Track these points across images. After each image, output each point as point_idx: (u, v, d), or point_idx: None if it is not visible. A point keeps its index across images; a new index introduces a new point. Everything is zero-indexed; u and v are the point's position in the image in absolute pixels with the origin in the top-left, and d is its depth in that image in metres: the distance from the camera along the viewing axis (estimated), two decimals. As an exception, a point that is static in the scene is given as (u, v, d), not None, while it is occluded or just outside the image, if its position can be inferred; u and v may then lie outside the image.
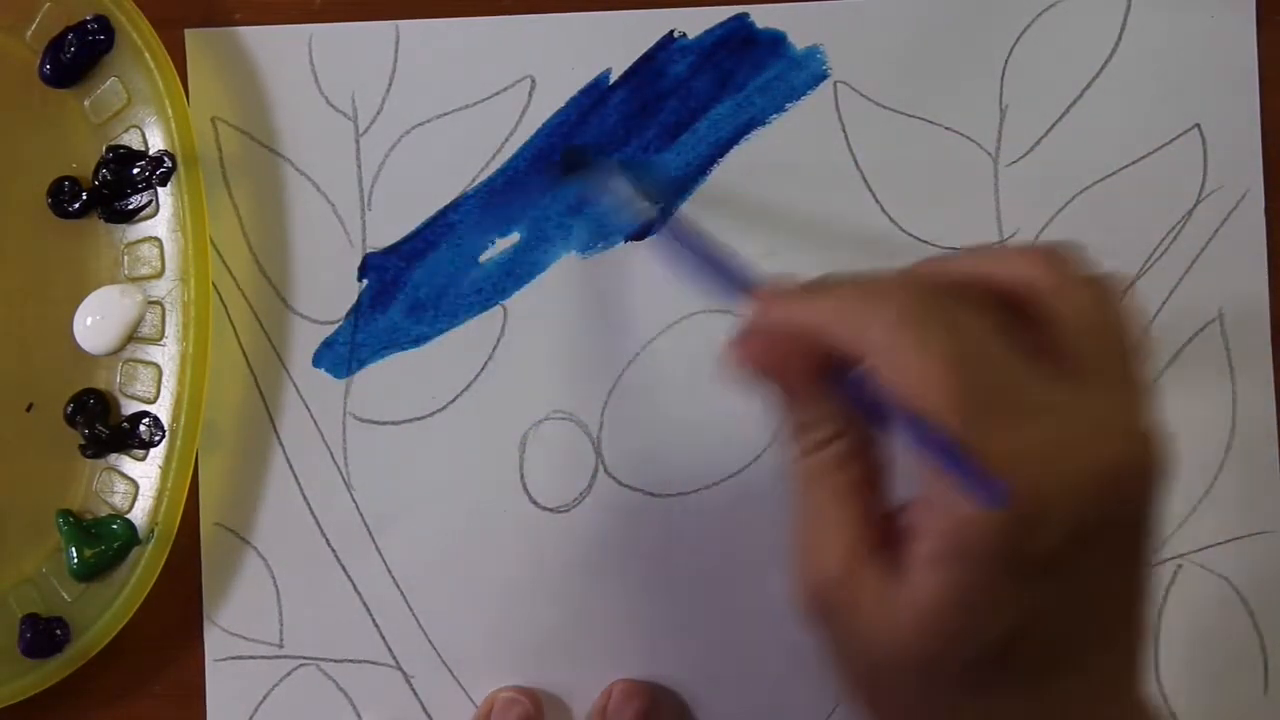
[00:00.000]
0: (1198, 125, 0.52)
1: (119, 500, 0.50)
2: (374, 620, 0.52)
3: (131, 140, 0.50)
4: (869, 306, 0.35)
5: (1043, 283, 0.36)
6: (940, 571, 0.34)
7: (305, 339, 0.52)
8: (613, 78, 0.51)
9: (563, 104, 0.51)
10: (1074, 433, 0.34)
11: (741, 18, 0.51)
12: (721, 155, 0.51)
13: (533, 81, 0.51)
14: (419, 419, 0.52)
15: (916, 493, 0.35)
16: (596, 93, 0.51)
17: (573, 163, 0.51)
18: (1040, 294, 0.36)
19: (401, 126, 0.52)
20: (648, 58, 0.51)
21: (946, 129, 0.51)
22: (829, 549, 0.36)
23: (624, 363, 0.52)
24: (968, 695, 0.36)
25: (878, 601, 0.35)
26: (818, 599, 0.36)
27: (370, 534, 0.52)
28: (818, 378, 0.37)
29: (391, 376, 0.52)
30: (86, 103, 0.50)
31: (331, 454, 0.52)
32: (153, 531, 0.49)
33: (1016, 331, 0.36)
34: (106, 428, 0.50)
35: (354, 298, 0.52)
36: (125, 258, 0.50)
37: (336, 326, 0.52)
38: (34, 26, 0.50)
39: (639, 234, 0.51)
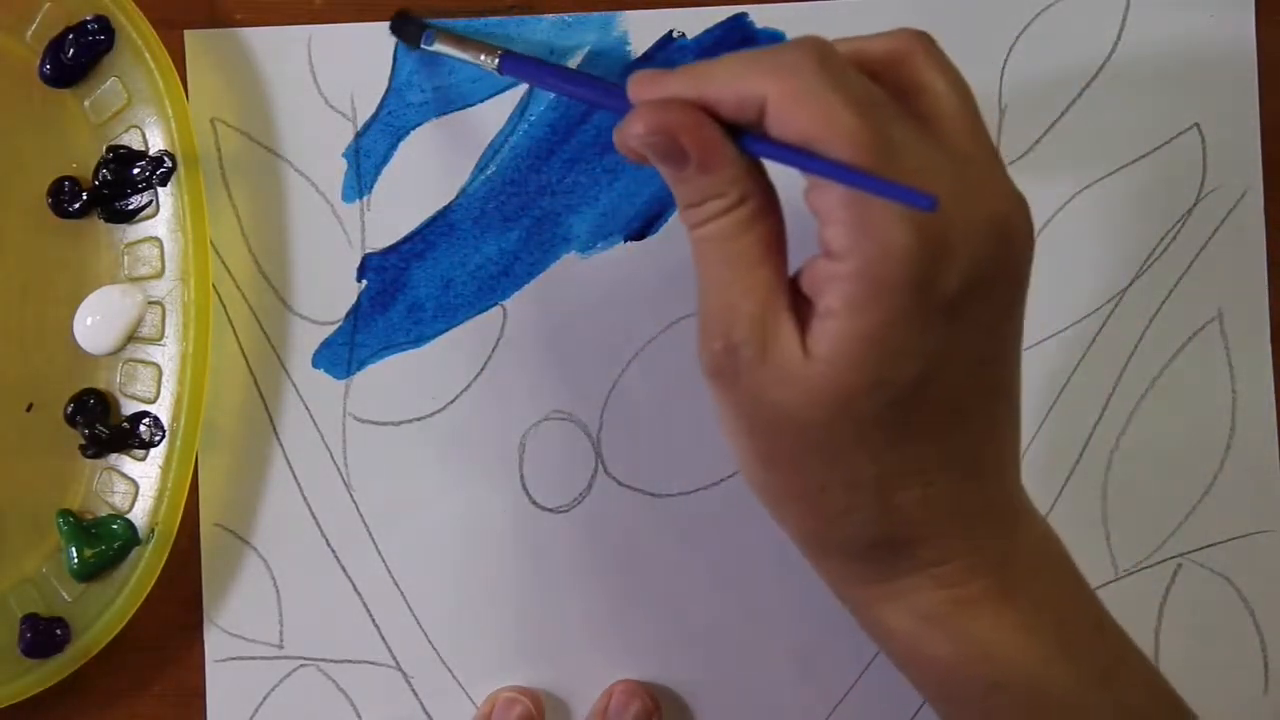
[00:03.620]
0: (1197, 125, 0.52)
1: (119, 500, 0.50)
2: (374, 620, 0.52)
3: (131, 140, 0.50)
4: (767, 63, 0.37)
5: (917, 56, 0.39)
6: (854, 315, 0.36)
7: (305, 339, 0.52)
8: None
9: (561, 105, 0.52)
10: (964, 186, 0.36)
11: (740, 17, 0.51)
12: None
13: (532, 82, 0.52)
14: (419, 419, 0.52)
15: (819, 250, 0.37)
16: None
17: (402, 28, 0.51)
18: (914, 66, 0.39)
19: (400, 127, 0.52)
20: (646, 58, 0.51)
21: (946, 128, 0.51)
22: (738, 309, 0.37)
23: (624, 363, 0.52)
24: (874, 446, 0.38)
25: (791, 354, 0.37)
26: (726, 355, 0.37)
27: (370, 534, 0.52)
28: (719, 140, 0.37)
29: (391, 377, 0.52)
30: (86, 103, 0.50)
31: (331, 454, 0.52)
32: (153, 531, 0.49)
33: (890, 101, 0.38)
34: (106, 428, 0.50)
35: (353, 298, 0.52)
36: (125, 258, 0.50)
37: (336, 327, 0.52)
38: (34, 26, 0.50)
39: (638, 233, 0.52)
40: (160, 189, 0.50)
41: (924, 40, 0.39)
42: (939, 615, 0.40)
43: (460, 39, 0.49)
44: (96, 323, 0.50)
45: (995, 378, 0.39)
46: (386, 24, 0.51)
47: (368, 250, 0.52)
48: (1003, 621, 0.39)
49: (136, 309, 0.50)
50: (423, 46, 0.50)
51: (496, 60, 0.48)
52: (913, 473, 0.38)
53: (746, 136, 0.37)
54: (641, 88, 0.39)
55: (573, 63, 0.51)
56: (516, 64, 0.47)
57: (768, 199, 0.38)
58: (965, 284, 0.36)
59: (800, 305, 0.37)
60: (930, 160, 0.36)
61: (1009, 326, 0.39)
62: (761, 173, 0.38)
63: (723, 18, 0.51)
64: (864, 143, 0.35)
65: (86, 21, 0.49)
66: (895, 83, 0.38)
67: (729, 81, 0.37)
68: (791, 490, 0.39)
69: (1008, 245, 0.37)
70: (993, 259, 0.36)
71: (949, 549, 0.39)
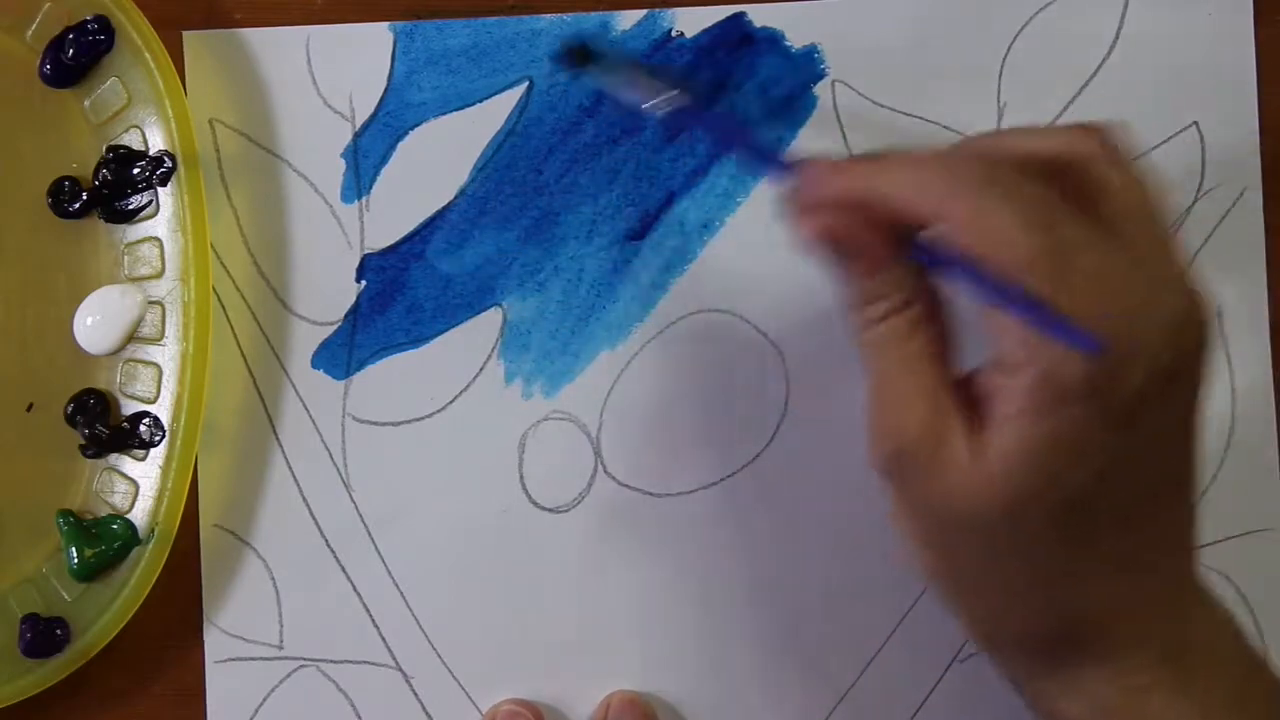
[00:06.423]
0: (1195, 123, 0.52)
1: (119, 500, 0.50)
2: (373, 621, 0.52)
3: (131, 140, 0.50)
4: (940, 172, 0.37)
5: (1095, 154, 0.39)
6: (1033, 422, 0.36)
7: (304, 340, 0.52)
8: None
9: (560, 105, 0.52)
10: (1139, 288, 0.36)
11: (739, 17, 0.51)
12: (719, 154, 0.51)
13: (531, 82, 0.52)
14: (418, 419, 0.52)
15: (988, 357, 0.37)
16: (595, 93, 0.52)
17: (577, 57, 0.49)
18: (1091, 165, 0.38)
19: (399, 127, 0.52)
20: (646, 57, 0.51)
21: (944, 127, 0.51)
22: (909, 411, 0.38)
23: (624, 363, 0.52)
24: (1045, 546, 0.38)
25: (963, 456, 0.37)
26: (898, 457, 0.38)
27: (370, 535, 0.52)
28: (886, 245, 0.38)
29: (390, 377, 0.52)
30: (86, 103, 0.50)
31: (330, 455, 0.52)
32: (153, 531, 0.49)
33: (1068, 201, 0.37)
34: (106, 428, 0.50)
35: (352, 299, 0.52)
36: (125, 258, 0.50)
37: (335, 328, 0.52)
38: (34, 26, 0.50)
39: (638, 232, 0.52)
40: (160, 189, 0.50)
41: (1100, 138, 0.39)
42: (1115, 707, 0.39)
43: (633, 75, 0.48)
44: (96, 323, 0.50)
45: (1173, 474, 0.39)
46: (386, 25, 0.51)
47: (367, 250, 0.52)
48: (1179, 711, 0.39)
49: (136, 309, 0.50)
50: (588, 74, 0.49)
51: (669, 107, 0.46)
52: (1085, 570, 0.38)
53: (914, 246, 0.38)
54: (811, 181, 0.39)
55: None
56: (688, 115, 0.46)
57: (934, 302, 0.39)
58: (1144, 389, 0.36)
59: (971, 408, 0.37)
60: (1105, 264, 0.36)
61: (1188, 425, 0.39)
62: (927, 275, 0.39)
63: (721, 17, 0.51)
64: (1033, 259, 0.35)
65: (86, 21, 0.49)
66: (1071, 181, 0.38)
67: (896, 186, 0.38)
68: (962, 584, 0.40)
69: (1186, 348, 0.37)
70: (1171, 363, 0.36)
71: (1122, 641, 0.39)
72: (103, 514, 0.50)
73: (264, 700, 0.52)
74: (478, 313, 0.52)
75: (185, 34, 0.51)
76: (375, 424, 0.52)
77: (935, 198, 0.37)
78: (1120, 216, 0.38)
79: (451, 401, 0.52)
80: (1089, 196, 0.38)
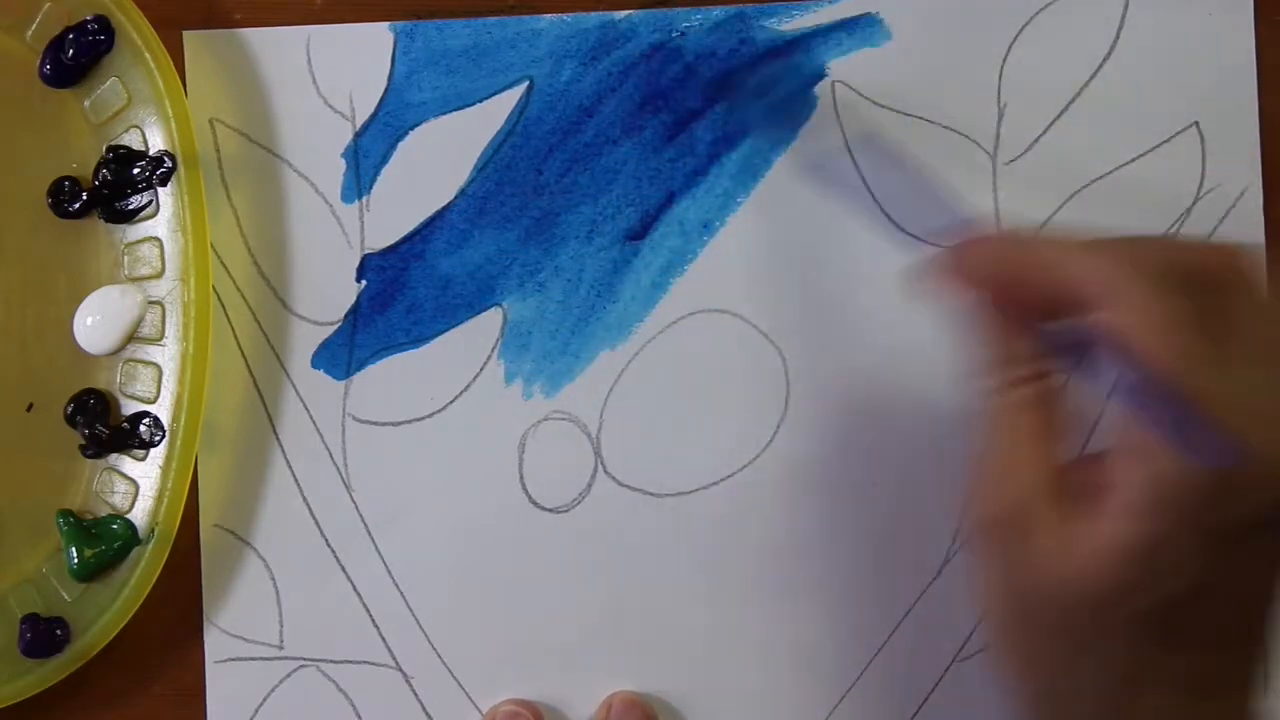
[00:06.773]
0: (1195, 123, 0.52)
1: (119, 500, 0.50)
2: (374, 621, 0.52)
3: (131, 140, 0.50)
4: (1117, 257, 0.38)
5: (1241, 274, 0.39)
6: (1134, 522, 0.35)
7: (304, 340, 0.52)
8: (611, 78, 0.52)
9: (560, 105, 0.52)
10: (1266, 414, 0.36)
11: (740, 16, 0.51)
12: (720, 155, 0.51)
13: (531, 82, 0.52)
14: (418, 420, 0.52)
15: (1111, 446, 0.37)
16: (595, 93, 0.52)
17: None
18: (1233, 284, 0.38)
19: (399, 127, 0.52)
20: (646, 57, 0.51)
21: (945, 128, 0.51)
22: (1015, 480, 0.38)
23: (624, 363, 0.52)
24: (1119, 649, 0.37)
25: (1059, 539, 0.37)
26: (996, 523, 0.38)
27: (370, 535, 0.52)
28: (1033, 315, 0.39)
29: (390, 377, 0.52)
30: (86, 103, 0.50)
31: (331, 455, 0.52)
32: (153, 531, 0.49)
33: (1207, 315, 0.37)
34: (106, 428, 0.50)
35: (353, 299, 0.52)
36: (125, 258, 0.50)
37: (335, 328, 0.52)
38: (34, 26, 0.50)
39: (638, 232, 0.52)
40: (160, 189, 0.50)
41: (1250, 262, 0.39)
42: None
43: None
44: (96, 323, 0.50)
45: (1259, 610, 0.38)
46: (386, 25, 0.51)
47: (367, 250, 0.52)
48: None
49: (136, 309, 0.50)
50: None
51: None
52: (1149, 683, 0.38)
53: (1059, 326, 0.39)
54: (979, 237, 0.41)
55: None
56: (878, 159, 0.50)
57: (1062, 383, 0.39)
58: (1253, 519, 0.36)
59: (1078, 493, 0.37)
60: (1250, 387, 0.36)
61: None
62: (1058, 358, 0.39)
63: (722, 18, 0.51)
64: (1190, 364, 0.35)
65: (86, 21, 0.49)
66: (1217, 295, 0.38)
67: (1067, 262, 0.38)
68: (1023, 656, 0.40)
69: None
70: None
71: None
72: (103, 514, 0.50)
73: (264, 700, 0.52)
74: (478, 313, 0.52)
75: (185, 34, 0.51)
76: (375, 424, 0.52)
77: (1106, 281, 0.37)
78: (1250, 340, 0.37)
79: (451, 401, 0.52)
80: (1232, 313, 0.38)
